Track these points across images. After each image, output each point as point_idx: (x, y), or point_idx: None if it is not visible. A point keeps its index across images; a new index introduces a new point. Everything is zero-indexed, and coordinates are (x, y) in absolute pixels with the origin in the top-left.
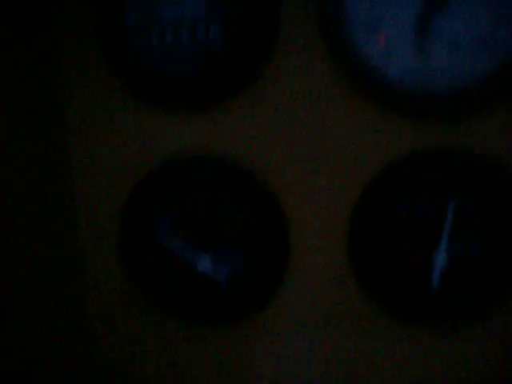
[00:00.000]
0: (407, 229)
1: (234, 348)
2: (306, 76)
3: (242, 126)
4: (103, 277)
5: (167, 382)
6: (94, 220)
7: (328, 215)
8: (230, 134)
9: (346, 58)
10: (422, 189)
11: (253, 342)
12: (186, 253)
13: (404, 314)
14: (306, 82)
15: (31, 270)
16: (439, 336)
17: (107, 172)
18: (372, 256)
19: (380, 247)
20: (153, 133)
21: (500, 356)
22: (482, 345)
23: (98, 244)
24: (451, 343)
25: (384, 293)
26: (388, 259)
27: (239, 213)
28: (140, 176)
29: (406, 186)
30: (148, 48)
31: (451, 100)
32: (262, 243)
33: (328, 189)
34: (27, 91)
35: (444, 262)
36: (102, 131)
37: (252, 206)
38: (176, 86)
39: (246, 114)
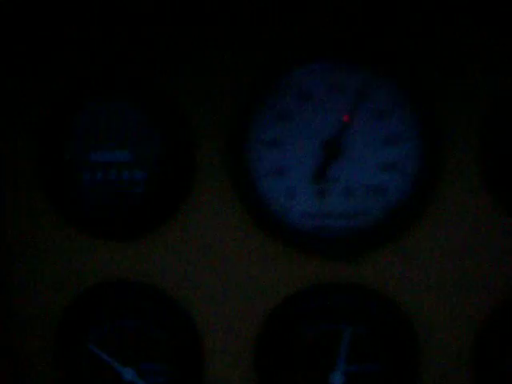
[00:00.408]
0: (308, 352)
1: None
2: (218, 215)
3: (163, 253)
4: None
5: None
6: (32, 332)
7: (238, 334)
8: (153, 260)
9: (252, 200)
10: (319, 317)
11: None
12: (113, 364)
13: None
14: (217, 220)
15: None
16: None
17: (45, 290)
18: (276, 375)
19: (283, 367)
20: (86, 258)
21: None
22: None
23: (34, 352)
24: None
25: None
26: (291, 378)
27: (160, 331)
28: (75, 294)
29: (305, 314)
30: (81, 185)
31: (345, 240)
32: (179, 357)
33: (236, 309)
34: None
35: (340, 382)
36: (42, 256)
37: (171, 326)
38: (104, 219)
39: (166, 243)
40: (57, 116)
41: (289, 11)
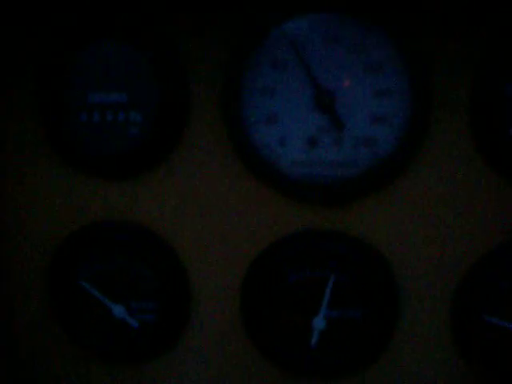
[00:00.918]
0: (292, 297)
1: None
2: (211, 159)
3: (154, 195)
4: (33, 318)
5: None
6: (26, 266)
7: (224, 276)
8: (145, 201)
9: (244, 146)
10: (304, 263)
11: (160, 381)
12: (104, 301)
13: (288, 368)
14: (210, 164)
15: None
16: None
17: (38, 227)
18: (261, 317)
19: (268, 310)
20: (79, 196)
21: None
22: None
23: (28, 288)
24: None
25: (271, 349)
26: (275, 321)
27: (148, 270)
28: (66, 233)
29: (291, 259)
30: (78, 125)
31: (333, 188)
32: (167, 296)
33: (225, 252)
34: None
35: (322, 326)
36: (35, 193)
37: (159, 265)
38: (100, 158)
39: (158, 185)
40: (55, 57)
41: None
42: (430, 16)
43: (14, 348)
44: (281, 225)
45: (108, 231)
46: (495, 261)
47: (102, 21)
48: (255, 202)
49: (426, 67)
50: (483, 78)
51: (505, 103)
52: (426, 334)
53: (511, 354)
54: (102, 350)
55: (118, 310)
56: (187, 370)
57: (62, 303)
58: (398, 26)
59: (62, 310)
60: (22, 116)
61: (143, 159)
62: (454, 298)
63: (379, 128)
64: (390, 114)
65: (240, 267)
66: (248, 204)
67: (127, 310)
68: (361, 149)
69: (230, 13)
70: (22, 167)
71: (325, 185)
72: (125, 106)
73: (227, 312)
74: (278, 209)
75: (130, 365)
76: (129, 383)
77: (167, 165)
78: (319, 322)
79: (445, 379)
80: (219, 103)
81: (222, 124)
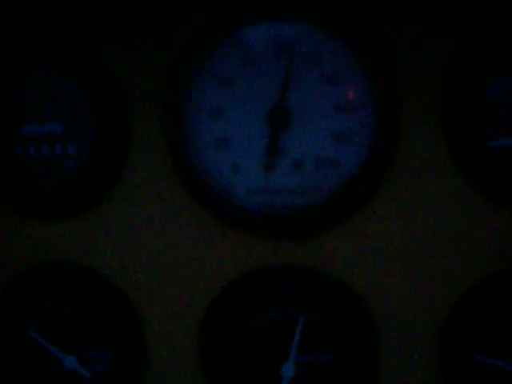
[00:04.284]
0: (255, 341)
1: None
2: (157, 192)
3: (99, 234)
4: None
5: None
6: None
7: (180, 320)
8: (89, 242)
9: (193, 175)
10: (268, 304)
11: None
12: (54, 351)
13: None
14: (156, 197)
15: None
16: None
17: None
18: (223, 365)
19: (231, 357)
20: (20, 238)
21: None
22: None
23: None
24: None
25: None
26: (239, 370)
27: (98, 316)
28: (6, 278)
29: (253, 300)
30: (13, 160)
31: (295, 219)
32: (119, 344)
33: (179, 294)
34: None
35: (292, 374)
36: None
37: (109, 310)
38: (38, 196)
39: (102, 223)
40: None
41: None
42: (390, 15)
43: None
44: (239, 261)
45: (53, 275)
46: (483, 294)
47: (32, 46)
48: (209, 238)
49: (389, 76)
50: (457, 80)
51: (485, 109)
52: (410, 377)
53: None
54: None
55: (69, 361)
56: None
57: (8, 354)
58: (355, 32)
59: (8, 361)
60: None
61: (84, 194)
62: (441, 337)
63: (343, 147)
64: (353, 130)
65: (197, 310)
66: (201, 240)
67: (79, 359)
68: (323, 172)
69: (169, 28)
70: None
71: (285, 215)
72: (60, 138)
73: (186, 360)
74: (234, 244)
75: None
76: None
77: (110, 200)
78: (289, 369)
79: None
80: (162, 129)
81: (166, 152)
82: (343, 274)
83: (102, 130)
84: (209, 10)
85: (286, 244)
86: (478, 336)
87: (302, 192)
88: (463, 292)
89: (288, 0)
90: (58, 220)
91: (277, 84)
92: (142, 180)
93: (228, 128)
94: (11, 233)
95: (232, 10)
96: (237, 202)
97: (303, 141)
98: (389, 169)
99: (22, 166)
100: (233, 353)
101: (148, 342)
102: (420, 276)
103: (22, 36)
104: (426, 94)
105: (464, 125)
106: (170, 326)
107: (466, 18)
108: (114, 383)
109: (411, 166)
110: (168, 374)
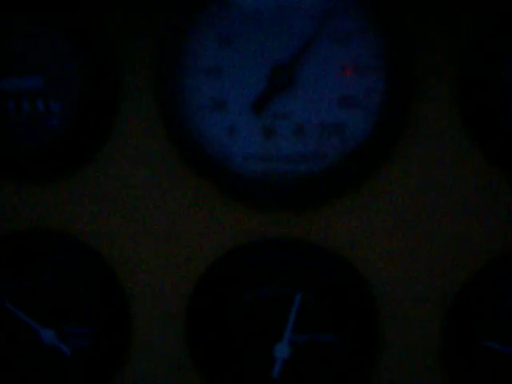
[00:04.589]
0: (248, 319)
1: None
2: (147, 155)
3: (83, 199)
4: None
5: None
6: None
7: (168, 295)
8: (72, 207)
9: (186, 138)
10: (262, 279)
11: None
12: (31, 324)
13: None
14: (146, 161)
15: None
16: None
17: None
18: (212, 343)
19: (220, 335)
20: None
21: None
22: None
23: None
24: None
25: (225, 382)
26: (229, 349)
27: (80, 289)
28: None
29: (246, 275)
30: None
31: (295, 188)
32: (102, 319)
33: (168, 267)
34: None
35: (286, 354)
36: None
37: (92, 283)
38: (17, 156)
39: (86, 188)
40: None
41: None
42: None
43: None
44: (233, 233)
45: (32, 242)
46: (491, 277)
47: None
48: (202, 206)
49: (404, 38)
50: (476, 53)
51: (504, 79)
52: (411, 362)
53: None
54: (29, 380)
55: (47, 335)
56: None
57: None
58: None
59: None
60: None
61: (66, 156)
62: (446, 320)
63: (349, 112)
64: (361, 94)
65: (186, 284)
66: (193, 208)
67: (58, 335)
68: (327, 138)
69: None
70: None
71: (285, 183)
72: (42, 94)
73: (172, 338)
74: (229, 214)
75: None
76: None
77: (95, 163)
78: (282, 350)
79: None
80: (155, 87)
81: (158, 112)
82: (344, 249)
83: (89, 86)
84: None
85: (285, 215)
86: (484, 321)
87: (304, 159)
88: (471, 273)
89: None
90: (38, 183)
91: (282, 40)
92: (130, 141)
93: (226, 88)
94: None
95: None
96: (233, 168)
97: (307, 104)
98: (397, 137)
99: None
100: (223, 331)
101: (133, 317)
102: (426, 255)
103: None
104: (442, 62)
105: (481, 95)
106: (157, 301)
107: None
108: (95, 360)
109: (422, 135)
110: (153, 352)
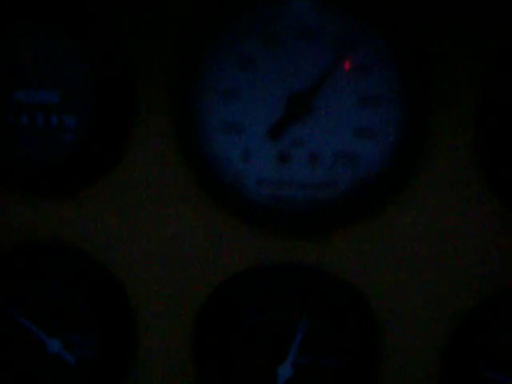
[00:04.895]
0: (253, 340)
1: None
2: (160, 175)
3: (94, 216)
4: None
5: None
6: None
7: (175, 314)
8: (83, 223)
9: (201, 161)
10: (269, 303)
11: None
12: (37, 333)
13: None
14: (159, 181)
15: None
16: None
17: None
18: (217, 361)
19: (225, 354)
20: (7, 215)
21: None
22: None
23: None
24: None
25: None
26: (234, 368)
27: (88, 301)
28: None
29: (253, 298)
30: (3, 129)
31: (307, 215)
32: (109, 331)
33: (176, 286)
34: None
35: (289, 373)
36: None
37: (100, 296)
38: (30, 170)
39: (98, 204)
40: None
41: None
42: (428, 9)
43: None
44: (242, 256)
45: (41, 254)
46: (495, 307)
47: (32, 6)
48: (212, 229)
49: (423, 71)
50: (496, 85)
51: None
52: None
53: None
54: None
55: (53, 344)
56: None
57: None
58: (390, 20)
59: None
60: None
61: (79, 172)
62: (447, 348)
63: (363, 143)
64: (376, 126)
65: (193, 304)
66: (204, 230)
67: (64, 344)
68: (340, 167)
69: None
70: None
71: (296, 209)
72: (57, 108)
73: (179, 354)
74: (239, 237)
75: None
76: None
77: (108, 180)
78: (286, 369)
79: None
80: (171, 106)
81: (173, 133)
82: (351, 276)
83: (105, 102)
84: None
85: (295, 241)
86: (487, 350)
87: (317, 186)
88: (474, 305)
89: None
90: (49, 198)
91: (301, 68)
92: (144, 160)
93: (242, 111)
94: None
95: None
96: (245, 192)
97: (322, 133)
98: (411, 170)
99: (12, 135)
100: (229, 349)
101: (139, 332)
102: (431, 286)
103: None
104: (461, 102)
105: (498, 130)
106: (164, 318)
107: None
108: (100, 371)
109: (436, 172)
110: (158, 368)
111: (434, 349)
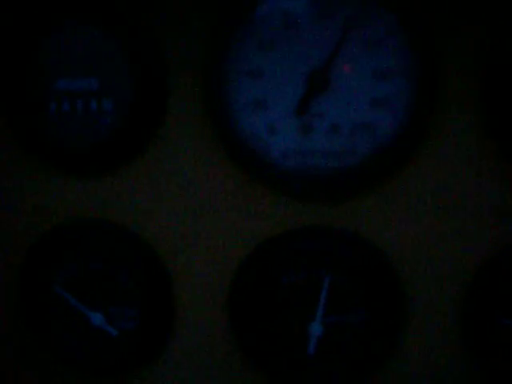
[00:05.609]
0: (285, 300)
1: None
2: (192, 150)
3: (132, 191)
4: (4, 329)
5: None
6: None
7: (210, 279)
8: (122, 199)
9: (230, 135)
10: (298, 264)
11: None
12: (81, 308)
13: (283, 378)
14: (191, 156)
15: None
16: None
17: (8, 229)
18: (252, 323)
19: (259, 316)
20: (52, 195)
21: None
22: None
23: None
24: None
25: (263, 358)
26: (267, 327)
27: (128, 274)
28: (39, 234)
29: (283, 260)
30: (47, 116)
31: (329, 181)
32: (148, 302)
33: (210, 253)
34: None
35: (319, 332)
36: (4, 193)
37: (139, 268)
38: (72, 152)
39: (135, 181)
40: (22, 41)
41: None
42: None
43: None
44: (272, 222)
45: (83, 231)
46: (506, 260)
47: (70, 2)
48: (243, 197)
49: (432, 44)
50: (502, 57)
51: None
52: (435, 338)
53: None
54: (79, 361)
55: (96, 318)
56: (171, 381)
57: (35, 310)
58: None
59: (35, 317)
60: None
61: (117, 152)
62: (465, 299)
63: (379, 113)
64: (391, 97)
65: (227, 269)
66: (235, 199)
67: (106, 316)
68: (359, 136)
69: None
70: None
71: (319, 177)
72: (96, 93)
73: (214, 318)
74: (268, 204)
75: (110, 376)
76: None
77: (145, 158)
78: (316, 328)
79: None
80: (201, 88)
81: (204, 111)
82: (374, 235)
83: (140, 87)
84: None
85: (318, 205)
86: (502, 299)
87: (337, 155)
88: (489, 256)
89: None
90: (90, 177)
91: (318, 47)
92: (178, 138)
93: (266, 89)
94: (42, 189)
95: None
96: (272, 163)
97: (340, 105)
98: (423, 135)
99: (55, 121)
100: (262, 311)
101: (177, 300)
102: (446, 241)
103: None
104: (467, 69)
105: (505, 99)
106: (200, 285)
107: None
108: (140, 341)
109: (446, 134)
110: (196, 334)
111: (452, 298)
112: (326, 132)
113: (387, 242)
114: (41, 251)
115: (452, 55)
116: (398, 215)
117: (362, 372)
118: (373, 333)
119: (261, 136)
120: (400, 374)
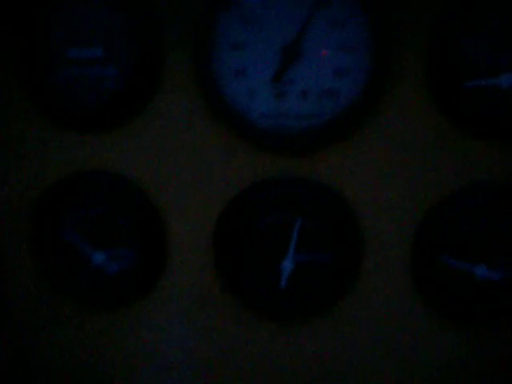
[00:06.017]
0: (261, 242)
1: (118, 330)
2: (183, 112)
3: (131, 146)
4: (15, 270)
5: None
6: (6, 217)
7: (199, 222)
8: (122, 152)
9: (215, 99)
10: (272, 209)
11: (136, 325)
12: (84, 249)
13: (259, 307)
14: (182, 116)
15: None
16: (288, 328)
17: (18, 179)
18: (234, 261)
19: (240, 255)
20: (59, 149)
21: (334, 346)
22: (320, 336)
23: (9, 239)
24: (299, 334)
25: (244, 292)
26: (247, 265)
27: (125, 219)
28: (47, 184)
29: (262, 204)
30: (57, 79)
31: (300, 138)
32: (144, 243)
33: (198, 200)
34: None
35: (290, 268)
36: (14, 147)
37: (135, 214)
38: (79, 111)
39: (134, 137)
40: (34, 12)
41: None
42: None
43: None
44: (251, 172)
45: (87, 181)
46: (454, 204)
47: None
48: (227, 151)
49: (386, 24)
50: (440, 32)
51: (460, 56)
52: (388, 275)
53: (470, 295)
54: (83, 296)
55: (98, 257)
56: (163, 313)
57: (44, 250)
58: None
59: (44, 256)
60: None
61: (118, 112)
62: (414, 239)
63: (343, 81)
64: (352, 67)
65: (213, 214)
66: (220, 153)
67: (106, 257)
68: (325, 101)
69: None
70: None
71: (291, 135)
72: (101, 61)
73: (201, 258)
74: (248, 157)
75: (109, 309)
76: (107, 327)
77: (143, 117)
78: (288, 265)
79: (405, 318)
80: (192, 59)
81: (194, 78)
82: (338, 184)
83: (139, 56)
84: None
85: (292, 159)
86: (447, 239)
87: (307, 117)
88: (437, 202)
89: None
90: (93, 134)
91: (291, 24)
92: (171, 101)
93: (247, 60)
94: (49, 144)
95: None
96: (252, 123)
97: (309, 74)
98: (380, 100)
99: (65, 84)
100: (241, 250)
101: (169, 241)
102: (401, 189)
103: None
104: (415, 39)
105: (443, 67)
106: (189, 229)
107: None
108: (137, 278)
109: (399, 99)
110: (185, 272)
111: (404, 237)
112: (297, 97)
113: (349, 188)
114: (48, 200)
115: (404, 32)
116: (358, 167)
117: (326, 303)
118: (336, 270)
119: (242, 100)
120: (358, 306)
